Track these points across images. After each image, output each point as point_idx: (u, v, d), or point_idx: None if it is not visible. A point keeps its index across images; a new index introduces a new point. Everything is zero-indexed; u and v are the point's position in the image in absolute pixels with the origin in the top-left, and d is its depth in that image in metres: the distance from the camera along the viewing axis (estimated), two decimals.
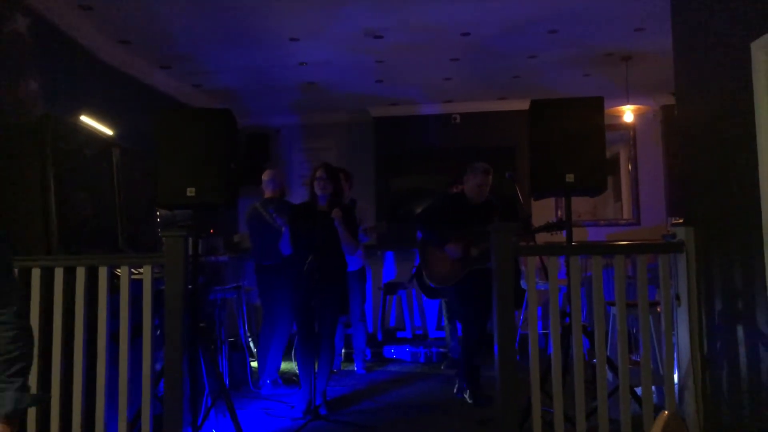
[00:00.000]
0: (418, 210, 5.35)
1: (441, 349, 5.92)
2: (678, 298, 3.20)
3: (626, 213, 7.57)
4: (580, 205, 7.20)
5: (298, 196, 6.05)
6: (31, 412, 3.07)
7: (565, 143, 3.39)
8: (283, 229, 4.26)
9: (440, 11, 4.61)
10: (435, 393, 4.81)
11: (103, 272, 3.16)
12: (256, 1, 4.37)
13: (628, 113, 6.08)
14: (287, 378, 5.21)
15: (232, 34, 4.96)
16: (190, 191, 3.32)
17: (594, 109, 3.46)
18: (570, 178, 3.38)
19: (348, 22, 4.77)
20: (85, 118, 4.31)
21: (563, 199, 3.62)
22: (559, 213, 7.31)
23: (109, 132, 4.52)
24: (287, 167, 7.81)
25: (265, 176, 5.20)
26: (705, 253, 3.11)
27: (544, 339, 5.62)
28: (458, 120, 7.49)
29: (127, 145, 4.41)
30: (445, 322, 5.76)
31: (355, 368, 5.62)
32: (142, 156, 4.53)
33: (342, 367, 5.73)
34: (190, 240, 3.34)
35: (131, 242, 4.23)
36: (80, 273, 3.15)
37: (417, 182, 7.56)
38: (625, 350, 3.18)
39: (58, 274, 3.14)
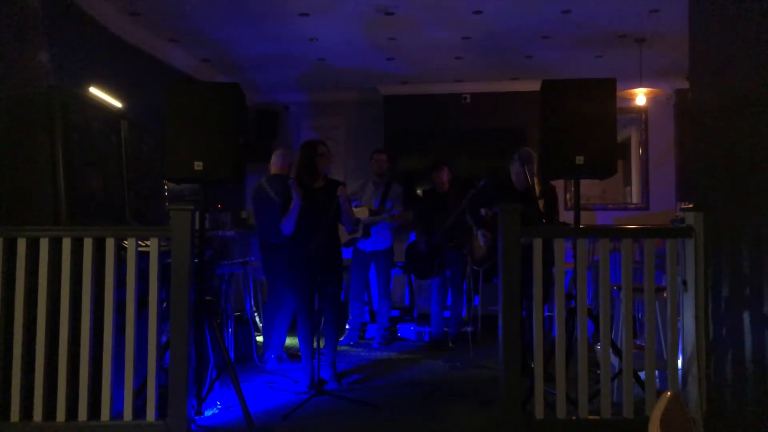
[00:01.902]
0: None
1: (444, 329, 5.94)
2: (685, 283, 3.18)
3: (635, 197, 7.52)
4: (589, 188, 7.16)
5: None
6: (39, 378, 3.11)
7: (576, 125, 3.37)
8: (293, 204, 4.20)
9: None
10: (437, 372, 4.84)
11: (110, 243, 3.17)
12: None
13: (640, 96, 6.01)
14: (292, 353, 5.25)
15: (241, 8, 4.92)
16: (198, 165, 3.32)
17: (606, 91, 3.43)
18: (580, 160, 3.36)
19: None
20: (94, 90, 4.30)
21: (572, 181, 3.61)
22: (568, 196, 7.28)
23: (117, 104, 4.50)
24: (295, 145, 7.78)
25: (274, 153, 5.24)
26: (713, 239, 3.08)
27: (548, 322, 5.62)
28: (468, 100, 7.43)
29: (135, 118, 4.40)
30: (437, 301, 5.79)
31: (373, 342, 5.79)
32: (150, 129, 4.52)
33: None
34: (197, 214, 3.35)
35: (138, 216, 4.24)
36: (87, 244, 3.17)
37: (426, 162, 7.52)
38: (630, 334, 3.18)
39: (66, 244, 3.16)
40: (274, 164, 5.17)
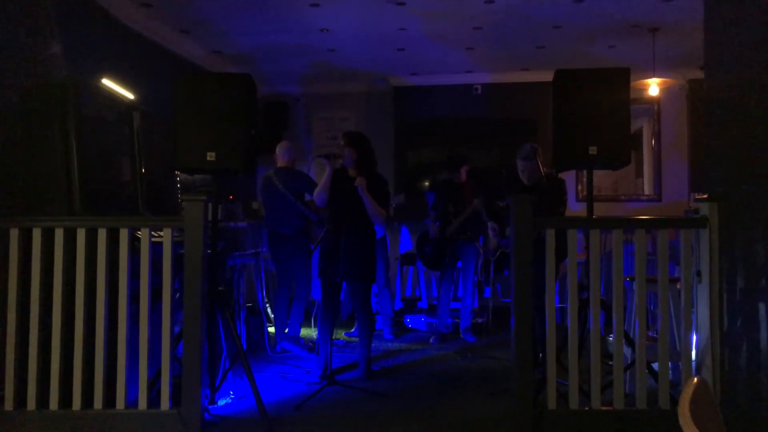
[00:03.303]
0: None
1: (456, 320, 5.94)
2: (699, 274, 3.16)
3: (647, 189, 7.47)
4: (601, 180, 7.11)
5: (312, 167, 6.01)
6: (54, 367, 3.14)
7: (589, 115, 3.34)
8: (326, 173, 4.14)
9: None
10: (449, 364, 4.85)
11: (124, 234, 3.19)
12: None
13: (653, 86, 5.96)
14: (304, 344, 5.27)
15: None
16: (210, 156, 3.33)
17: (620, 80, 3.40)
18: (593, 150, 3.34)
19: None
20: (106, 82, 4.31)
21: (585, 172, 3.58)
22: (580, 187, 7.24)
23: (130, 96, 4.52)
24: (305, 136, 7.79)
25: (280, 146, 5.24)
26: (728, 230, 3.06)
27: (560, 313, 5.62)
28: (480, 91, 7.40)
29: (148, 109, 4.42)
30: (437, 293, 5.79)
31: (383, 333, 5.74)
32: (162, 120, 4.54)
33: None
34: (210, 205, 3.36)
35: (151, 206, 4.27)
36: (102, 234, 3.19)
37: (436, 154, 7.49)
38: (643, 325, 3.17)
39: (80, 234, 3.18)
40: (281, 157, 5.18)
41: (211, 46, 6.18)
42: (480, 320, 5.90)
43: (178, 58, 6.05)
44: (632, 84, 5.88)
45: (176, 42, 5.88)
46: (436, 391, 4.08)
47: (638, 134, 7.55)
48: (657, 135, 7.36)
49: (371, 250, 4.24)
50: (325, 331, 4.20)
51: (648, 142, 7.47)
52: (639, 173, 7.64)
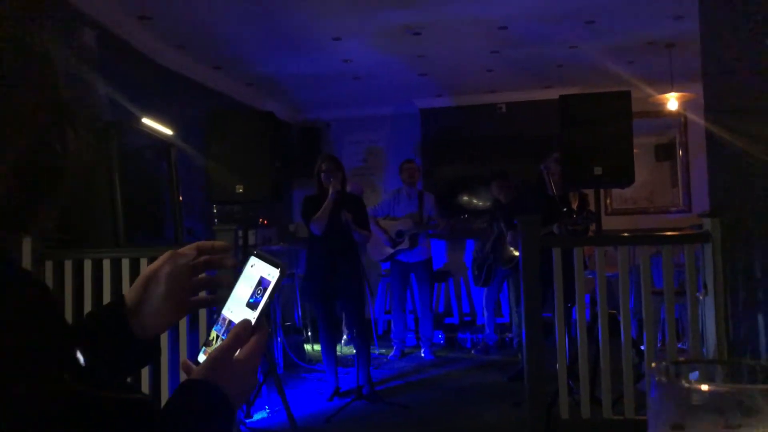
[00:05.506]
0: None
1: (496, 335, 6.07)
2: (705, 287, 3.27)
3: (678, 200, 7.47)
4: (636, 191, 7.11)
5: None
6: None
7: (593, 137, 3.51)
8: (326, 203, 4.18)
9: (474, 6, 4.73)
10: (482, 378, 4.99)
11: None
12: (296, 6, 4.62)
13: (672, 101, 6.04)
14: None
15: (279, 36, 5.25)
16: (239, 188, 3.63)
17: (621, 102, 3.56)
18: (598, 171, 3.50)
19: (385, 20, 4.97)
20: (146, 121, 4.68)
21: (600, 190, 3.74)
22: (608, 200, 7.31)
23: (168, 132, 4.88)
24: None
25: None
26: (729, 244, 3.17)
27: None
28: (504, 109, 7.55)
29: (186, 143, 4.76)
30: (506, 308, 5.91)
31: (423, 354, 5.78)
32: (199, 152, 4.89)
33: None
34: (240, 232, 3.65)
35: (191, 234, 4.61)
36: (144, 263, 3.50)
37: (464, 172, 7.66)
38: (650, 336, 3.29)
39: (125, 264, 3.51)
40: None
41: (244, 79, 6.55)
42: (507, 337, 6.04)
43: (214, 92, 6.43)
44: (658, 97, 6.00)
45: (210, 77, 6.27)
46: (460, 402, 4.26)
47: (672, 144, 7.57)
48: (684, 146, 7.38)
49: (361, 268, 4.45)
50: (330, 351, 4.41)
51: (677, 154, 7.49)
52: (675, 183, 7.63)
